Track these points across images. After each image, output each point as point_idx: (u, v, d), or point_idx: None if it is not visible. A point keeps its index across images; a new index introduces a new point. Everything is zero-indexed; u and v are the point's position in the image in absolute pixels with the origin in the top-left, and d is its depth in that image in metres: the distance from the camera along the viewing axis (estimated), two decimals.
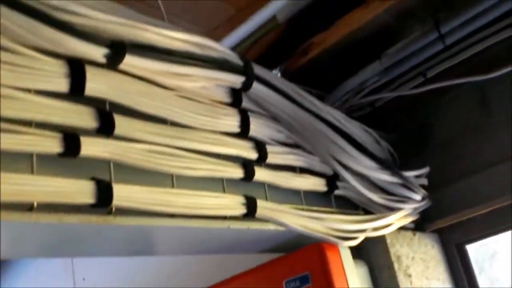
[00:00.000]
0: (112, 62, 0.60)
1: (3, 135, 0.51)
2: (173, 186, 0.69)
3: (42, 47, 0.55)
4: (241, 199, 0.76)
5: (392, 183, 0.97)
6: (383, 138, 1.05)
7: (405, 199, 1.00)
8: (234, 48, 0.90)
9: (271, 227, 0.82)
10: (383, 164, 0.95)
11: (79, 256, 0.76)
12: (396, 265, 0.98)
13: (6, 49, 0.52)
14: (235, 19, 0.89)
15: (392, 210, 0.98)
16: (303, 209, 0.86)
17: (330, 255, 0.84)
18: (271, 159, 0.83)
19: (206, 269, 1.19)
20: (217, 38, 0.89)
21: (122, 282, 1.43)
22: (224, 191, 0.76)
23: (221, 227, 0.74)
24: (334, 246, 0.87)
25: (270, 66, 0.89)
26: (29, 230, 0.59)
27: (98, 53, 0.59)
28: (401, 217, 0.99)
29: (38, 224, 0.57)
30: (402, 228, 1.03)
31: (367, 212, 0.99)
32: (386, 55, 0.97)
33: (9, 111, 0.53)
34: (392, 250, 0.98)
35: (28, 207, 0.54)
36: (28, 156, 0.55)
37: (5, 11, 0.51)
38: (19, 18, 0.52)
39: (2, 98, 0.52)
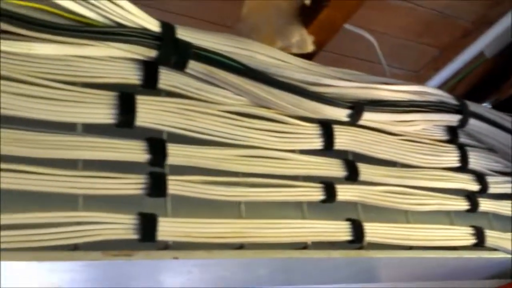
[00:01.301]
0: (353, 120, 0.72)
1: (281, 189, 0.65)
2: (407, 222, 0.77)
3: (301, 115, 0.68)
4: (469, 230, 0.81)
5: None
6: None
7: None
8: (440, 87, 0.96)
9: (498, 255, 0.85)
10: None
11: (314, 285, 0.88)
12: None
13: (278, 121, 0.67)
14: (439, 60, 0.95)
15: None
16: None
17: None
18: (491, 189, 0.86)
19: None
20: (423, 79, 0.96)
21: None
22: (452, 223, 0.82)
23: (453, 256, 0.80)
24: None
25: (478, 100, 0.93)
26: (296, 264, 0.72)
27: (342, 114, 0.70)
28: None
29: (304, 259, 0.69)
30: None
31: None
32: None
33: (283, 170, 0.67)
34: None
35: (302, 246, 0.67)
36: (299, 204, 0.68)
37: (276, 91, 0.65)
38: (287, 96, 0.65)
39: (277, 160, 0.66)
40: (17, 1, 0.46)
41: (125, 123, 0.53)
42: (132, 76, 0.54)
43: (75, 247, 0.49)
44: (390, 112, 0.75)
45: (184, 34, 0.55)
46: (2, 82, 0.46)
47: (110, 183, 0.51)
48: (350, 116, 0.71)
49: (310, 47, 0.73)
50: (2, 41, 0.46)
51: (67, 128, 0.50)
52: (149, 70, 0.55)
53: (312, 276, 0.78)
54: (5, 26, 0.45)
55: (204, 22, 0.78)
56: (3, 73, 0.46)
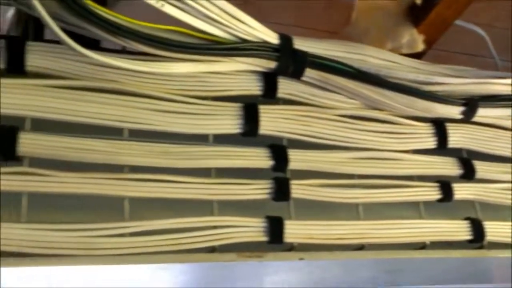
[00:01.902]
0: (467, 117, 0.70)
1: (397, 190, 0.66)
2: None
3: (414, 115, 0.68)
4: None
5: None
6: None
7: None
8: None
9: None
10: None
11: (429, 285, 0.86)
12: None
13: (392, 122, 0.67)
14: None
15: None
16: None
17: None
18: None
19: None
20: None
21: None
22: None
23: None
24: None
25: None
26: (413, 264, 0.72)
27: (455, 111, 0.69)
28: None
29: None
30: None
31: None
32: None
33: (397, 170, 0.67)
34: None
35: (420, 246, 0.67)
36: (415, 204, 0.68)
37: (389, 93, 0.65)
38: (399, 96, 0.65)
39: (392, 161, 0.67)
40: (152, 24, 0.50)
41: (250, 132, 0.56)
42: (254, 87, 0.57)
43: (212, 249, 0.53)
44: (505, 107, 0.73)
45: (300, 44, 0.58)
46: (145, 100, 0.50)
47: (240, 189, 0.54)
48: (463, 113, 0.69)
49: (420, 47, 0.73)
50: (142, 62, 0.50)
51: (199, 139, 0.54)
52: (269, 80, 0.58)
53: (426, 276, 0.77)
54: (145, 49, 0.50)
55: (310, 30, 0.79)
56: (146, 92, 0.50)
